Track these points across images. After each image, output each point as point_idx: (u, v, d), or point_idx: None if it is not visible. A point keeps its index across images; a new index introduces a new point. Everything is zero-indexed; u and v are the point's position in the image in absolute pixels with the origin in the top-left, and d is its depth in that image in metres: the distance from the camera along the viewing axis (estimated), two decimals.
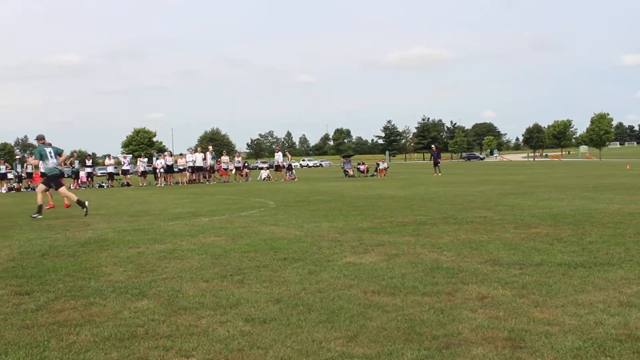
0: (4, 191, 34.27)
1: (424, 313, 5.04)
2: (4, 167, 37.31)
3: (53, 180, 15.92)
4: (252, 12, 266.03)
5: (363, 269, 6.94)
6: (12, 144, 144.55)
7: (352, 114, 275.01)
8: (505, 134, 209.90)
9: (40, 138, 16.41)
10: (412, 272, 6.67)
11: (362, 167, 43.00)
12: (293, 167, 41.20)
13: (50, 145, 16.50)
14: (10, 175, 37.06)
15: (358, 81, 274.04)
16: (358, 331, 4.63)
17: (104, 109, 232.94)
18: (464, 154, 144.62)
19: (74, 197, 15.84)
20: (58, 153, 16.19)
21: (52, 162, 15.92)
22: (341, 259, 7.64)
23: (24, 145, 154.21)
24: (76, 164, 38.01)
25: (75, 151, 41.48)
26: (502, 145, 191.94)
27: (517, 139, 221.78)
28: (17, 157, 45.33)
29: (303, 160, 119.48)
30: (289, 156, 40.57)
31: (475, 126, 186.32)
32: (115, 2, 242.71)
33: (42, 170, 16.16)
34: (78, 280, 6.78)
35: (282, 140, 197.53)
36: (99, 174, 48.31)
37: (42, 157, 16.06)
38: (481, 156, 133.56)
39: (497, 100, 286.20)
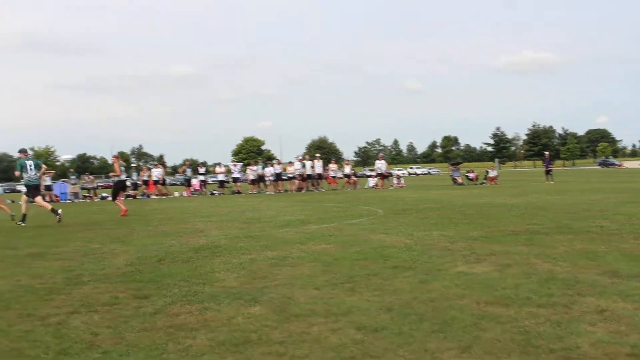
0: (121, 198, 35.68)
1: (539, 325, 4.88)
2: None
3: (32, 190, 17.78)
4: (361, 19, 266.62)
5: (475, 279, 6.79)
6: (129, 152, 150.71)
7: (461, 120, 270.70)
8: (621, 140, 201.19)
9: (22, 151, 18.31)
10: (526, 283, 6.48)
11: (471, 175, 42.31)
12: (401, 175, 40.95)
13: (30, 158, 18.41)
14: (127, 183, 38.56)
15: (466, 87, 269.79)
16: (472, 342, 4.53)
17: (215, 118, 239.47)
18: (597, 160, 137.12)
19: (49, 207, 17.69)
20: (37, 166, 18.12)
21: (31, 174, 17.76)
22: (452, 268, 7.52)
23: (140, 154, 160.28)
24: (188, 172, 39.16)
25: (187, 160, 42.81)
26: (617, 152, 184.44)
27: (634, 146, 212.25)
28: (133, 165, 47.15)
29: (411, 168, 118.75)
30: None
31: (589, 132, 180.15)
32: (226, 14, 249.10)
33: (22, 181, 17.83)
34: (193, 285, 6.96)
35: (389, 148, 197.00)
36: (210, 182, 49.64)
37: (22, 169, 17.85)
38: (617, 162, 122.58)
39: (610, 104, 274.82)
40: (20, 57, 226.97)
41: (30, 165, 17.97)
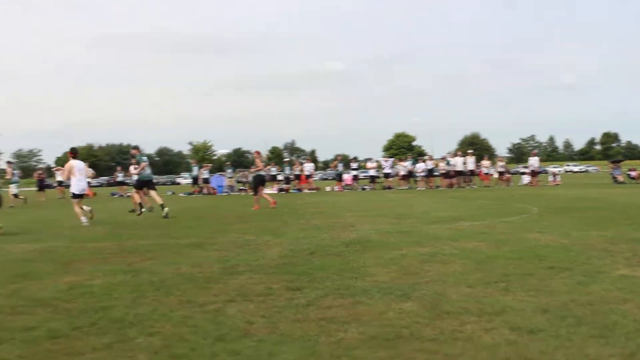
0: (274, 192, 36.67)
1: None
2: (275, 169, 40.04)
3: (147, 184, 19.15)
4: (520, 12, 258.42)
5: (638, 283, 6.40)
6: (282, 147, 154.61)
7: (621, 116, 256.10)
8: None
9: (136, 148, 20.02)
10: None
11: (633, 174, 39.98)
12: (557, 172, 39.44)
13: (144, 154, 19.87)
14: (279, 177, 39.56)
15: (627, 81, 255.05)
16: (636, 350, 4.27)
17: (366, 114, 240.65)
18: None
19: (159, 200, 18.31)
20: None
21: (147, 169, 19.07)
22: (613, 270, 7.12)
23: (292, 149, 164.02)
24: (340, 167, 39.61)
25: (338, 155, 43.32)
26: None
27: None
28: (286, 159, 48.34)
29: (567, 165, 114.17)
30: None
31: None
32: (382, 10, 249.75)
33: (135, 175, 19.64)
34: (345, 279, 7.01)
35: (544, 144, 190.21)
36: (361, 177, 50.00)
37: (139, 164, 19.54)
38: None
39: None
40: (180, 58, 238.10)
41: (146, 161, 19.27)
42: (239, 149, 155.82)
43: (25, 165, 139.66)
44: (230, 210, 20.54)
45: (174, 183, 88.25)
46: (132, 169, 34.62)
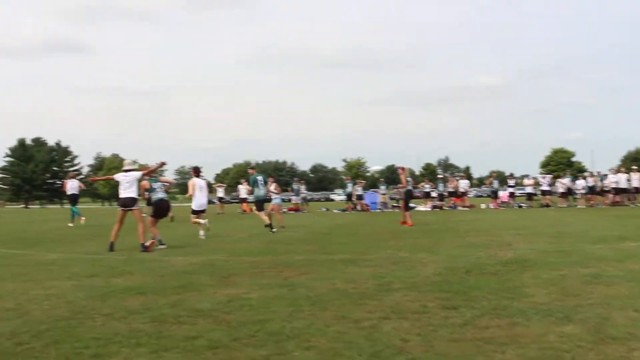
0: (428, 209, 36.40)
1: None
2: (428, 186, 39.76)
3: (260, 203, 19.76)
4: None
5: None
6: (435, 163, 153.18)
7: None
8: None
9: (252, 168, 20.41)
10: None
11: None
12: None
13: (259, 174, 20.24)
14: (433, 194, 39.22)
15: None
16: None
17: (522, 129, 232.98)
18: None
19: (267, 220, 18.96)
20: (265, 181, 19.83)
21: (262, 188, 19.72)
22: None
23: (446, 165, 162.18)
24: (495, 184, 38.73)
25: (493, 171, 42.40)
26: None
27: None
28: (440, 176, 47.82)
29: None
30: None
31: None
32: (532, 23, 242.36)
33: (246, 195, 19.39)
34: (502, 299, 6.82)
35: None
36: (518, 194, 48.62)
37: (254, 184, 19.86)
38: None
39: None
40: (329, 73, 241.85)
41: (260, 181, 20.01)
42: (392, 165, 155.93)
43: (186, 182, 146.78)
44: (383, 226, 20.59)
45: (327, 199, 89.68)
46: (241, 188, 35.96)
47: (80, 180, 29.67)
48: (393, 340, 5.18)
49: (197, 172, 18.01)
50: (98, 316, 6.45)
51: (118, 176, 14.25)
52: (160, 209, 14.72)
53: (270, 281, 8.51)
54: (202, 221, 17.08)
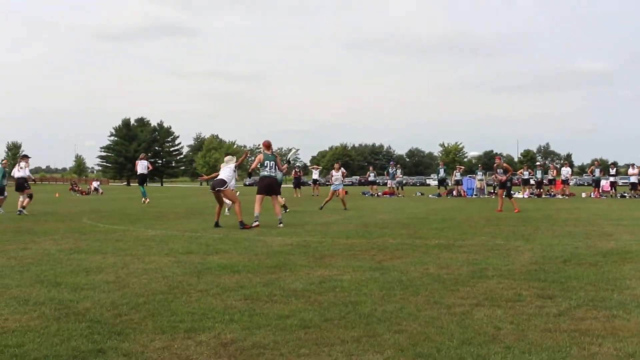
0: (525, 196, 35.59)
1: None
2: (527, 173, 38.86)
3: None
4: None
5: None
6: (535, 150, 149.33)
7: None
8: None
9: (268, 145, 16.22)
10: None
11: None
12: None
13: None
14: (531, 181, 38.31)
15: None
16: None
17: (626, 116, 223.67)
18: None
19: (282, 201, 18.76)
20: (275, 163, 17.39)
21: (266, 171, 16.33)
22: None
23: (546, 152, 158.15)
24: (596, 173, 37.47)
25: (595, 160, 41.01)
26: None
27: None
28: (538, 163, 46.56)
29: None
30: None
31: None
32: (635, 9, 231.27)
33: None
34: (600, 290, 6.63)
35: None
36: (621, 184, 46.92)
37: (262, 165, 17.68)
38: None
39: None
40: (432, 58, 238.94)
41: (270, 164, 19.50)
42: (491, 151, 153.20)
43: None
44: (479, 213, 20.29)
45: (423, 184, 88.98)
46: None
47: (151, 163, 30.19)
48: (485, 328, 5.11)
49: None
50: (193, 292, 6.65)
51: (221, 171, 14.93)
52: (264, 186, 14.97)
53: (363, 264, 8.55)
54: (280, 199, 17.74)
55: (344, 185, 26.12)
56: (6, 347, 4.58)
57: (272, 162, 14.94)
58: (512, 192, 22.85)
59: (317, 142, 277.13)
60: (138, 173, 28.33)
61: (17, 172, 20.82)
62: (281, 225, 14.34)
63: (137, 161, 28.81)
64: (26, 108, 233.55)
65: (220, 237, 12.05)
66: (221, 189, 14.40)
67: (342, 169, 23.53)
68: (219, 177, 14.73)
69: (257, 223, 14.06)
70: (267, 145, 15.44)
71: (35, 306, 5.94)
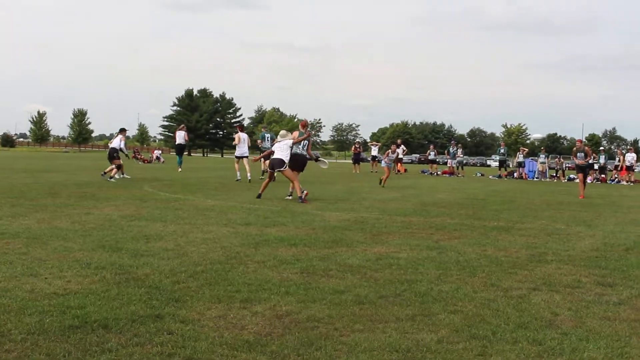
0: (589, 181, 34.81)
1: None
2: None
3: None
4: None
5: None
6: (600, 135, 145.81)
7: None
8: None
9: (264, 126, 21.75)
10: None
11: None
12: None
13: (269, 131, 24.90)
14: (595, 166, 37.40)
15: None
16: None
17: None
18: None
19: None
20: (272, 138, 22.16)
21: (266, 144, 22.48)
22: None
23: (612, 137, 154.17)
24: None
25: None
26: None
27: None
28: (602, 148, 45.38)
29: None
30: None
31: None
32: None
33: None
34: None
35: None
36: None
37: (263, 139, 23.84)
38: None
39: None
40: (495, 34, 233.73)
41: (267, 138, 23.53)
42: (555, 134, 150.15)
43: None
44: (540, 196, 19.95)
45: (483, 165, 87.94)
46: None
47: (187, 132, 31.02)
48: (542, 313, 5.06)
49: (242, 128, 25.13)
50: (251, 263, 6.73)
51: (275, 147, 15.04)
52: (296, 163, 14.96)
53: (420, 242, 8.52)
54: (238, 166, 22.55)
55: (404, 162, 26.03)
56: (68, 309, 4.72)
57: (305, 142, 14.99)
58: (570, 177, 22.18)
59: (377, 118, 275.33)
60: (176, 143, 29.61)
61: (112, 143, 21.73)
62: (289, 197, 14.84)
63: (176, 131, 30.35)
64: (93, 76, 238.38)
65: (278, 209, 12.14)
66: (281, 169, 14.46)
67: (402, 146, 23.56)
68: (277, 157, 14.57)
69: (306, 192, 14.22)
70: (304, 125, 15.60)
71: (97, 270, 6.11)
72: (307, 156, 15.33)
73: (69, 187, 16.31)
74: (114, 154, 20.78)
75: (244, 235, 8.65)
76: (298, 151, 14.83)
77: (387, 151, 23.61)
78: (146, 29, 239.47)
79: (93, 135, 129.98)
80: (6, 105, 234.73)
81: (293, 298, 5.29)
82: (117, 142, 21.32)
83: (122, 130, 22.02)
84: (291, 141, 14.69)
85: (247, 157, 22.69)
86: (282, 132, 15.40)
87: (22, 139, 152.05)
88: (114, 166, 20.25)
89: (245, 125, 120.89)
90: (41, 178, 20.41)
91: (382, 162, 23.36)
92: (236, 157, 23.04)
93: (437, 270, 6.65)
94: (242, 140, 22.63)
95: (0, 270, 5.95)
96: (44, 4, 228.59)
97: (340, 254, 7.48)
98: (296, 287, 5.66)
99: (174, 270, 6.20)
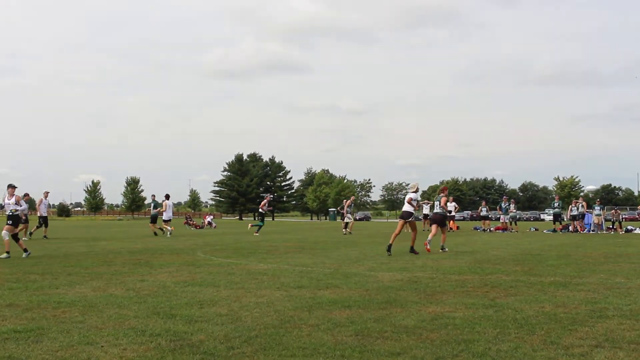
0: None
1: None
2: None
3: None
4: None
5: None
6: None
7: None
8: None
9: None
10: None
11: None
12: None
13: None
14: None
15: None
16: None
17: None
18: None
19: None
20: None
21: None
22: None
23: None
24: None
25: None
26: None
27: None
28: None
29: None
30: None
31: None
32: None
33: None
34: None
35: None
36: None
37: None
38: None
39: None
40: (541, 88, 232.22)
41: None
42: (609, 185, 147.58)
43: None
44: (597, 249, 19.49)
45: (537, 219, 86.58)
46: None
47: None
48: None
49: (167, 197, 30.54)
50: (305, 326, 6.69)
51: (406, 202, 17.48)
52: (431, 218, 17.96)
53: (476, 301, 8.38)
54: (168, 228, 28.64)
55: (456, 219, 25.74)
56: None
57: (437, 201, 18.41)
58: (628, 228, 21.68)
59: (428, 176, 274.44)
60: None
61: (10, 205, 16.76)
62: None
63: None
64: (143, 145, 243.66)
65: (330, 271, 12.10)
66: (410, 220, 17.01)
67: (454, 202, 23.49)
68: (405, 210, 17.08)
69: (428, 247, 17.22)
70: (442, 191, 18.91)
71: (152, 337, 6.14)
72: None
73: (123, 255, 16.55)
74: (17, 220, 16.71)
75: (297, 299, 8.62)
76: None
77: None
78: (195, 98, 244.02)
79: (146, 202, 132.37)
80: (61, 175, 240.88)
81: None
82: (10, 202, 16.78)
83: (11, 187, 17.00)
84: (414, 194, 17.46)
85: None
86: (411, 184, 18.26)
87: (77, 208, 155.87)
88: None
89: (295, 187, 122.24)
90: (96, 246, 20.78)
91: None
92: (165, 221, 29.47)
93: (495, 329, 6.52)
94: (169, 207, 30.07)
95: (57, 339, 6.03)
96: (97, 78, 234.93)
97: (394, 314, 7.39)
98: (351, 350, 5.60)
99: (228, 336, 6.20)
